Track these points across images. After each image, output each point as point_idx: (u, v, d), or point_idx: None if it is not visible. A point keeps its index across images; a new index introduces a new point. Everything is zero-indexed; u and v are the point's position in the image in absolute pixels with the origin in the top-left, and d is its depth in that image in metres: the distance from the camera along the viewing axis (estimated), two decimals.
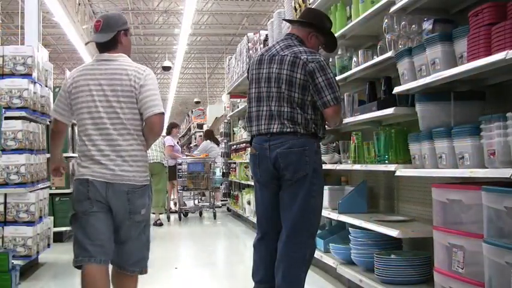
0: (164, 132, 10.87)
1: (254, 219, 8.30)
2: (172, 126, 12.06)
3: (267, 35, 7.58)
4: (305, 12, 4.02)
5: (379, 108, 3.99)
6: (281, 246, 3.65)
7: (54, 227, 6.66)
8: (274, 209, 3.75)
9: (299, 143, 3.62)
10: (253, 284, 3.83)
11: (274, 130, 3.64)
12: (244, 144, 9.97)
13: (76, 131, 3.71)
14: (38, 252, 5.47)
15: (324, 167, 5.18)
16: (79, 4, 15.93)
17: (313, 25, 3.83)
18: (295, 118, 3.62)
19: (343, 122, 4.69)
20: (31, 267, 5.53)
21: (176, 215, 11.06)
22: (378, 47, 4.22)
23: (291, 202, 3.64)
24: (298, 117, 3.63)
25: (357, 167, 4.49)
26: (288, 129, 3.62)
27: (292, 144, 3.61)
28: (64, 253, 6.72)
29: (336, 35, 4.79)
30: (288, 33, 3.91)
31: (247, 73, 3.95)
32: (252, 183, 8.87)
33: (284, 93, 3.64)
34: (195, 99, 28.92)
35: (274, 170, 3.66)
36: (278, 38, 6.43)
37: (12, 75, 5.38)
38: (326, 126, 3.85)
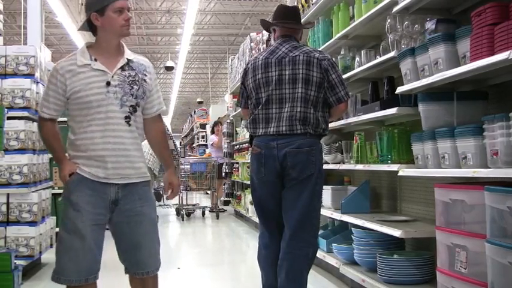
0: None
1: (257, 220, 8.29)
2: (214, 125, 12.40)
3: (269, 35, 7.58)
4: (292, 13, 3.97)
5: (382, 108, 3.99)
6: (284, 245, 3.65)
7: (57, 227, 6.64)
8: (278, 207, 3.76)
9: (307, 143, 3.65)
10: (254, 283, 3.83)
11: (283, 131, 3.67)
12: (247, 144, 9.96)
13: None
14: (40, 252, 5.47)
15: (327, 166, 5.20)
16: (81, 4, 15.90)
17: (299, 23, 3.98)
18: (308, 118, 3.65)
19: (346, 122, 4.71)
20: (33, 267, 5.53)
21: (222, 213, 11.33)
22: (381, 47, 4.22)
23: (296, 201, 3.66)
24: (310, 117, 3.65)
25: (360, 167, 4.48)
26: (298, 131, 3.65)
27: (300, 143, 3.63)
28: None
29: (338, 35, 4.84)
30: (284, 34, 3.88)
31: (247, 78, 3.89)
32: None
33: (299, 93, 3.67)
34: (198, 99, 28.92)
35: (280, 168, 3.66)
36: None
37: (14, 75, 5.38)
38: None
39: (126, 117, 2.94)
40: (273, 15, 4.02)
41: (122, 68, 2.96)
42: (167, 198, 3.54)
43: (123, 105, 2.92)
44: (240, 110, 4.10)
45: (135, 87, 2.97)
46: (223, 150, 12.10)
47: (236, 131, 11.44)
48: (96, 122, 2.88)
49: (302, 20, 5.69)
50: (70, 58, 2.95)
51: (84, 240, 2.84)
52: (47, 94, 2.96)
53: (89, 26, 2.98)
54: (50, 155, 6.36)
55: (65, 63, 2.93)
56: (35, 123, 5.52)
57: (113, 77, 2.92)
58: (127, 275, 3.05)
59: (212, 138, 12.55)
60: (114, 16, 2.91)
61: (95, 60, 2.92)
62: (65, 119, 3.27)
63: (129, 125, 2.95)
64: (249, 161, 9.15)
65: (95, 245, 2.88)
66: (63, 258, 2.86)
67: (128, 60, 3.01)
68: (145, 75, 3.05)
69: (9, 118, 5.05)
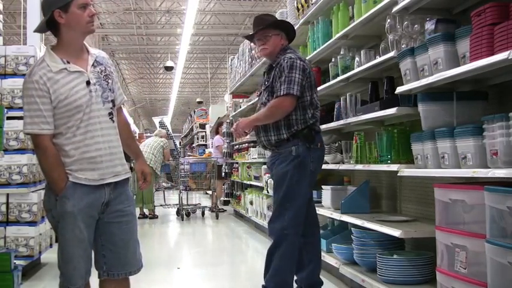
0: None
1: (256, 219, 8.30)
2: (218, 125, 12.44)
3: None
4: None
5: (382, 108, 3.99)
6: (317, 238, 4.25)
7: None
8: None
9: None
10: (254, 283, 3.84)
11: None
12: (246, 144, 9.94)
13: None
14: (40, 252, 5.47)
15: (327, 167, 5.21)
16: None
17: None
18: None
19: (346, 122, 4.72)
20: (33, 267, 5.53)
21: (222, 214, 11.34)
22: (381, 47, 4.22)
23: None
24: None
25: (360, 167, 4.48)
26: None
27: None
28: None
29: (338, 35, 4.84)
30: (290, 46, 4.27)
31: (309, 76, 4.05)
32: (254, 183, 8.88)
33: None
34: (198, 99, 28.93)
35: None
36: None
37: (14, 75, 5.38)
38: None
39: (109, 114, 2.88)
40: (282, 25, 4.22)
41: (93, 65, 2.87)
42: (140, 188, 3.27)
43: (105, 102, 2.85)
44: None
45: (109, 81, 2.91)
46: (223, 151, 12.12)
47: None
48: (85, 123, 2.78)
49: (302, 20, 5.76)
50: (41, 66, 2.76)
51: (83, 246, 2.81)
52: (38, 109, 2.72)
53: (49, 25, 2.82)
54: None
55: (40, 72, 2.74)
56: None
57: (89, 75, 2.82)
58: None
59: (217, 139, 12.49)
60: (79, 12, 2.76)
61: (68, 62, 2.79)
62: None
63: (113, 121, 2.90)
64: (248, 161, 9.21)
65: (89, 246, 2.86)
66: (68, 267, 2.81)
67: (95, 55, 2.92)
68: (110, 67, 2.97)
69: (9, 118, 5.05)
